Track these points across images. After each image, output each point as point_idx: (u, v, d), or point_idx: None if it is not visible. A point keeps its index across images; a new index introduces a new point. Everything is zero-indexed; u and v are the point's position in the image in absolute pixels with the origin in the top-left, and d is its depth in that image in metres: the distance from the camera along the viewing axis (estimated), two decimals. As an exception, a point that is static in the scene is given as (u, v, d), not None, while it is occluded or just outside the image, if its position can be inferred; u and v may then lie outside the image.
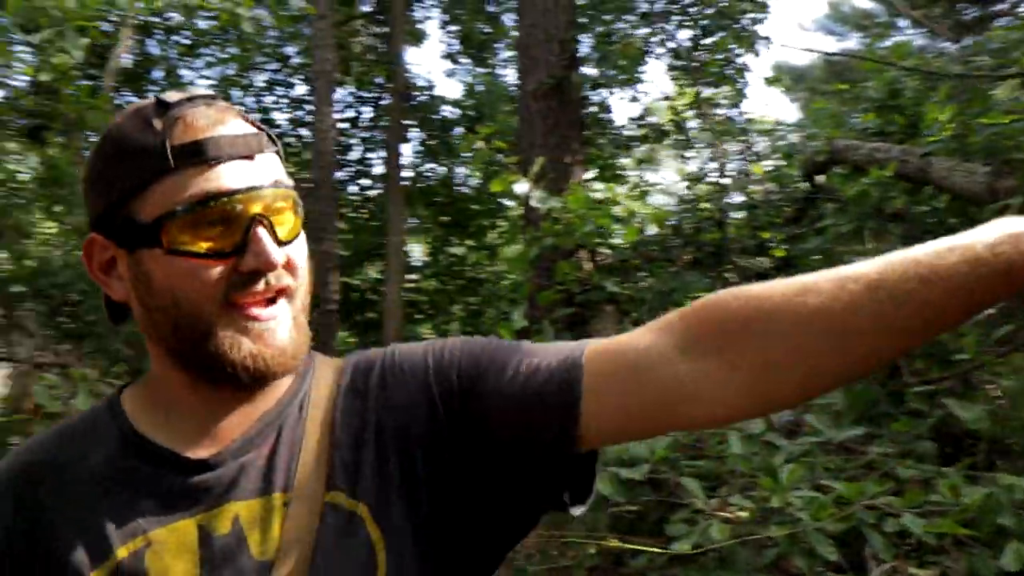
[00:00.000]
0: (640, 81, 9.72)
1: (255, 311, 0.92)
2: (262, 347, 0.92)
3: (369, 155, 13.76)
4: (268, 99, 13.37)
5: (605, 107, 7.94)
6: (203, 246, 0.90)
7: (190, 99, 0.94)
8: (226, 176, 0.90)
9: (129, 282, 0.95)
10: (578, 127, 6.78)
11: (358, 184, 13.93)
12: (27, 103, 5.49)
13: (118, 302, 0.99)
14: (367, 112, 13.60)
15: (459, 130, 12.46)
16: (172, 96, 0.94)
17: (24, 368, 4.59)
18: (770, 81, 7.86)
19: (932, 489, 3.32)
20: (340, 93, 13.44)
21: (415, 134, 13.13)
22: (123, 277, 0.96)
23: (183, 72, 13.01)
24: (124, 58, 9.77)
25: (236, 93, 13.22)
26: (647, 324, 0.95)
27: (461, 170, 13.55)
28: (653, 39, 7.77)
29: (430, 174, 12.90)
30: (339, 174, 13.81)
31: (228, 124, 0.93)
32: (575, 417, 0.91)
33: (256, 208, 0.91)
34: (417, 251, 14.34)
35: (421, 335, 13.30)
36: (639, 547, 3.31)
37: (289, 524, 0.93)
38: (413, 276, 13.49)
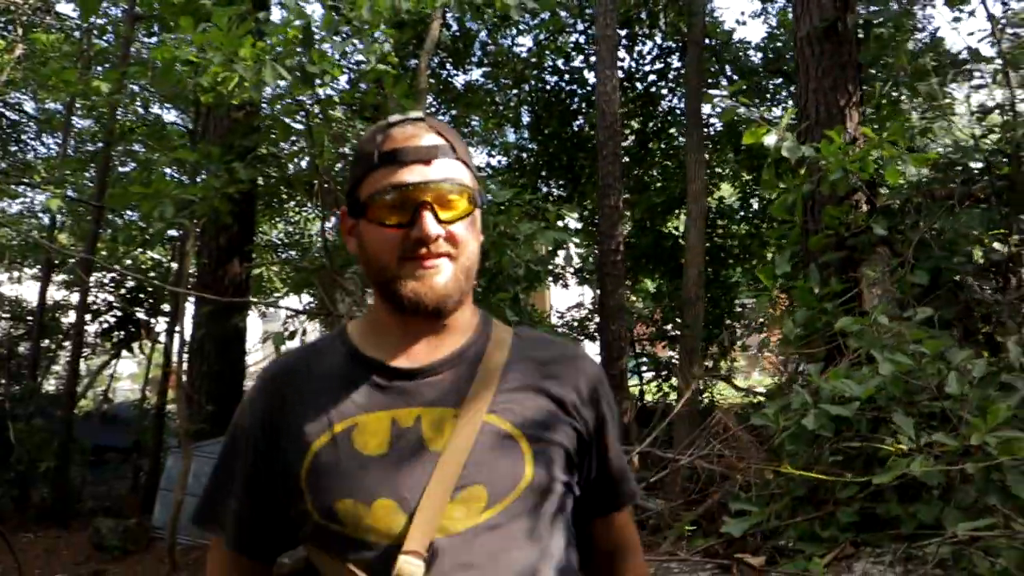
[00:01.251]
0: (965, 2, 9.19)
1: (424, 262, 1.39)
2: (420, 285, 1.38)
3: (678, 104, 13.98)
4: (577, 60, 13.91)
5: (886, 43, 7.62)
6: (389, 219, 1.38)
7: (403, 121, 1.44)
8: (407, 174, 1.38)
9: (356, 241, 1.47)
10: (853, 68, 6.65)
11: (669, 134, 14.23)
12: (346, 96, 6.42)
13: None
14: (675, 63, 13.80)
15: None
16: (394, 118, 1.45)
17: (345, 321, 5.51)
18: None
19: None
20: (648, 46, 13.77)
21: (723, 80, 13.17)
22: (353, 237, 1.48)
23: (501, 41, 14.00)
24: (443, 38, 10.80)
25: (550, 55, 13.97)
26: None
27: (776, 112, 13.41)
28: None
29: (737, 117, 12.85)
30: (651, 125, 14.22)
31: (421, 138, 1.41)
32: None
33: (425, 196, 1.38)
34: (727, 198, 14.42)
35: (731, 279, 13.46)
36: (840, 479, 3.51)
37: (456, 431, 1.36)
38: (723, 221, 13.62)
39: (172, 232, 10.57)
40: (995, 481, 3.18)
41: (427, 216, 1.36)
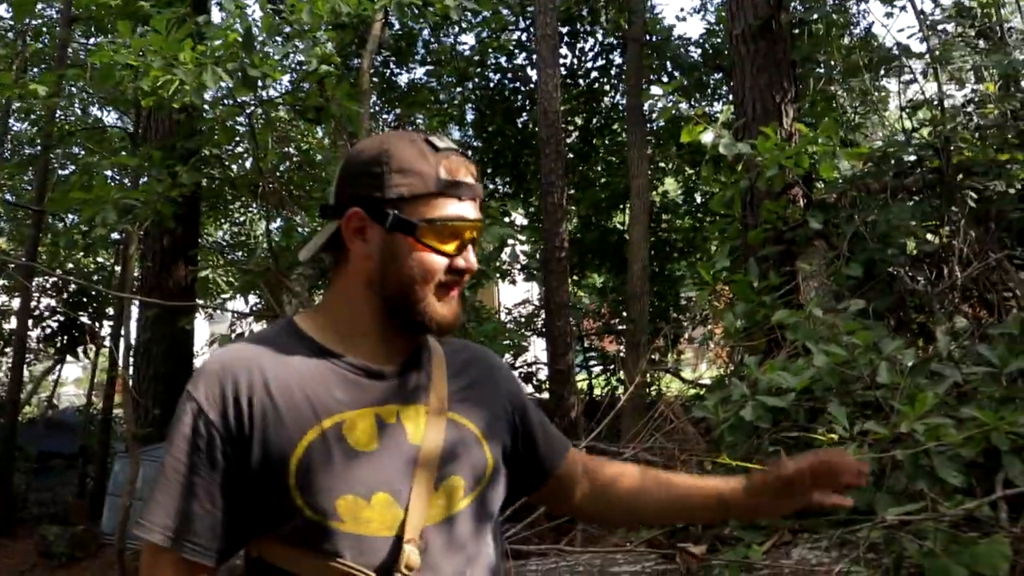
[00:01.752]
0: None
1: (452, 290, 1.50)
2: (449, 312, 1.49)
3: (621, 100, 14.08)
4: (520, 58, 13.97)
5: (820, 40, 7.80)
6: (441, 246, 1.46)
7: (449, 148, 1.49)
8: (466, 210, 1.48)
9: (376, 249, 1.48)
10: (788, 65, 6.80)
11: (612, 129, 14.34)
12: (287, 98, 6.43)
13: (337, 248, 1.54)
14: (617, 59, 13.89)
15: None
16: (438, 142, 1.49)
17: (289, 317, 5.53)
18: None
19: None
20: (590, 42, 13.87)
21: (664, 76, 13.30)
22: (368, 242, 1.48)
23: (443, 39, 14.04)
24: (386, 37, 10.80)
25: (493, 53, 14.03)
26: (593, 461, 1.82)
27: (717, 107, 13.60)
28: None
29: (677, 113, 12.99)
30: (594, 121, 14.32)
31: (471, 176, 1.50)
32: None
33: (472, 233, 1.49)
34: (671, 192, 14.58)
35: (676, 273, 13.63)
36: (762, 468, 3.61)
37: (428, 426, 1.47)
38: (667, 216, 13.77)
39: (115, 235, 10.46)
40: (924, 466, 3.30)
41: (470, 250, 1.49)
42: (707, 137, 5.32)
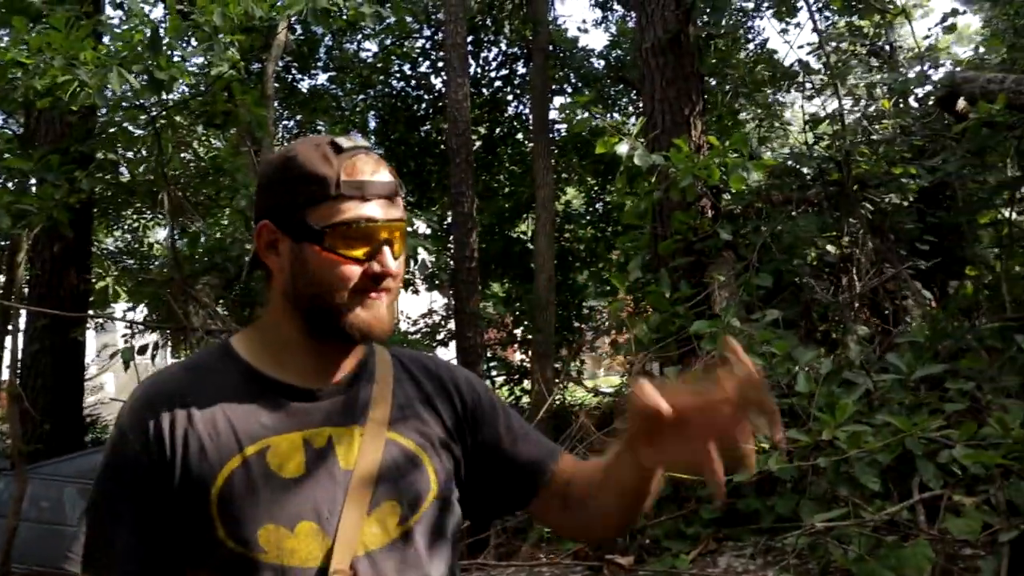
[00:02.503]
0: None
1: (371, 295, 1.37)
2: (372, 317, 1.37)
3: (525, 110, 14.18)
4: (424, 66, 13.93)
5: (726, 55, 7.98)
6: (349, 252, 1.35)
7: (355, 148, 1.39)
8: (373, 209, 1.35)
9: (287, 261, 1.39)
10: (696, 79, 6.93)
11: (515, 139, 14.42)
12: (193, 104, 6.23)
13: (262, 266, 1.45)
14: (520, 69, 13.98)
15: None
16: (344, 143, 1.38)
17: (199, 335, 5.35)
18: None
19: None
20: (493, 52, 13.92)
21: (567, 87, 13.44)
22: (281, 255, 1.40)
23: (346, 46, 13.89)
24: (290, 42, 10.61)
25: (397, 60, 13.96)
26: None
27: (617, 117, 13.79)
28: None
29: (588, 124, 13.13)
30: (498, 131, 14.37)
31: (379, 173, 1.38)
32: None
33: (386, 233, 1.37)
34: (573, 201, 14.74)
35: (579, 283, 13.76)
36: (701, 477, 3.66)
37: (363, 448, 1.39)
38: (570, 226, 13.90)
39: (-1, 241, 9.98)
40: (844, 473, 3.38)
41: (387, 253, 1.37)
42: (622, 149, 5.37)
